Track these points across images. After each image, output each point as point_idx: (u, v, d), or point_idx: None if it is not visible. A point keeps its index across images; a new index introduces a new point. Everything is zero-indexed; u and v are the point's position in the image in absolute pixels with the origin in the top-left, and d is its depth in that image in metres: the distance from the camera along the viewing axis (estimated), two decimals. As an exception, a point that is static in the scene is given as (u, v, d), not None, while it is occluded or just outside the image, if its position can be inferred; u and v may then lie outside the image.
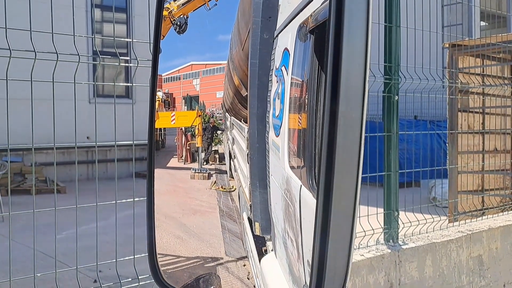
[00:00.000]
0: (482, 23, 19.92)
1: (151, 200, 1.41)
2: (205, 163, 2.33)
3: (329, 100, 0.86)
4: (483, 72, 6.98)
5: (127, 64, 3.63)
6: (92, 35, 13.16)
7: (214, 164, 2.40)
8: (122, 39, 11.95)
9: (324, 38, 1.24)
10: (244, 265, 2.10)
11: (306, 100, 1.40)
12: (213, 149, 2.40)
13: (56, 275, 3.08)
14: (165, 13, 1.92)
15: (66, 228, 4.59)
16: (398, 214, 4.46)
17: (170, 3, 2.04)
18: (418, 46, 4.67)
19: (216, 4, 2.06)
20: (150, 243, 1.45)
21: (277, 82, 1.70)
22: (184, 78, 2.64)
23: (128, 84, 3.32)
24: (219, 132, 2.47)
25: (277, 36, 1.76)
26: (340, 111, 0.86)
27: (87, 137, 12.22)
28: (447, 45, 6.87)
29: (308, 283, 1.26)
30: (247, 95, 1.91)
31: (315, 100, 1.30)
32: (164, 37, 1.85)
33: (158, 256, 1.58)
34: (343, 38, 0.85)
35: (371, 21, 0.86)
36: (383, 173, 4.42)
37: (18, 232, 6.18)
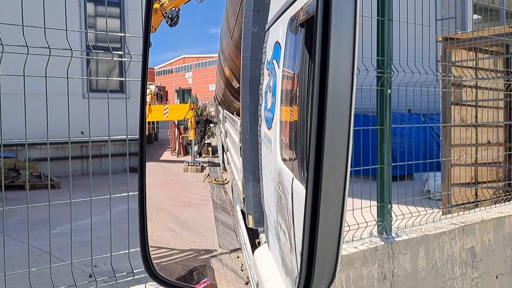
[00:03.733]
0: (475, 16, 19.97)
1: (143, 193, 1.41)
2: (198, 156, 2.33)
3: (317, 93, 0.87)
4: (476, 65, 7.01)
5: (120, 59, 3.63)
6: (86, 30, 13.09)
7: (207, 157, 2.40)
8: (116, 34, 11.91)
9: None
10: (238, 257, 2.12)
11: (297, 93, 1.41)
12: (206, 142, 2.41)
13: (51, 270, 3.09)
14: (156, 5, 1.92)
15: (60, 224, 4.59)
16: (391, 206, 4.49)
17: (162, -4, 2.05)
18: (411, 39, 4.68)
19: (207, -3, 2.06)
20: (142, 236, 1.46)
21: (268, 75, 1.71)
22: (176, 71, 2.63)
23: (122, 79, 3.32)
24: (212, 125, 2.48)
25: (268, 29, 1.77)
26: (328, 103, 0.87)
27: (81, 132, 12.18)
28: (440, 39, 6.89)
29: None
30: (238, 87, 1.92)
31: (306, 93, 1.31)
32: (155, 30, 1.85)
33: (151, 249, 1.59)
34: (331, 31, 0.86)
35: (358, 14, 0.87)
36: (376, 166, 4.44)
37: (12, 227, 6.15)
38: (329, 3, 0.86)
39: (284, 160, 1.56)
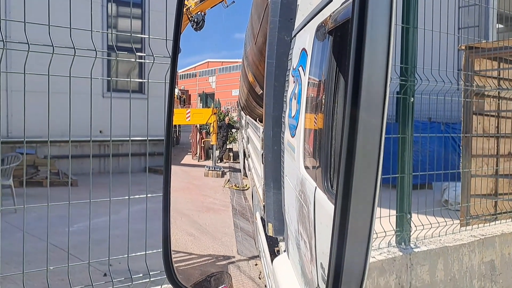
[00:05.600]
0: (500, 26, 19.68)
1: (167, 198, 1.40)
2: (219, 161, 2.33)
3: (349, 104, 0.85)
4: (499, 75, 6.90)
5: (142, 61, 3.64)
6: (108, 30, 13.23)
7: (228, 162, 2.39)
8: (139, 35, 12.00)
9: (343, 39, 1.23)
10: (256, 265, 2.10)
11: (323, 101, 1.38)
12: (227, 147, 2.40)
13: (68, 269, 3.11)
14: (182, 9, 1.92)
15: (77, 221, 4.62)
16: (411, 217, 4.43)
17: (188, 0, 2.04)
18: (434, 47, 4.62)
19: (234, 1, 2.05)
20: (166, 241, 1.44)
21: (293, 82, 1.69)
22: (200, 75, 2.63)
23: (144, 81, 3.33)
24: (233, 130, 2.47)
25: (294, 36, 1.75)
26: (361, 115, 0.85)
27: (100, 131, 12.28)
28: (463, 47, 6.79)
29: (319, 285, 1.25)
30: (261, 93, 1.91)
31: (332, 101, 1.29)
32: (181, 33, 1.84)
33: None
34: (366, 39, 0.84)
35: (394, 23, 0.85)
36: (397, 175, 4.39)
37: (30, 223, 6.19)
38: (365, 11, 0.84)
39: (307, 168, 1.54)
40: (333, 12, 1.26)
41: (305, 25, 1.60)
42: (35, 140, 12.99)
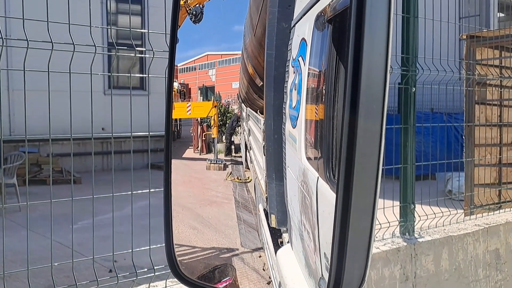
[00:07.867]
0: (501, 14, 19.60)
1: (168, 191, 1.40)
2: (235, 153, 2.33)
3: (349, 93, 0.85)
4: (501, 64, 6.87)
5: (142, 55, 3.63)
6: (108, 27, 13.21)
7: (229, 155, 2.39)
8: (138, 30, 11.98)
9: (343, 28, 1.22)
10: (260, 257, 2.09)
11: (324, 91, 1.38)
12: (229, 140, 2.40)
13: (73, 265, 3.12)
14: (180, 2, 1.91)
15: (81, 219, 4.63)
16: (414, 207, 4.43)
17: (186, -9, 2.02)
18: (435, 37, 4.61)
19: (232, -8, 2.04)
20: (168, 234, 1.44)
21: (294, 72, 1.68)
22: (199, 69, 2.62)
23: (144, 75, 3.32)
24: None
25: (294, 26, 1.74)
26: (361, 104, 0.84)
27: (102, 128, 12.27)
28: (465, 37, 6.76)
29: (323, 275, 1.25)
30: (262, 85, 1.90)
31: (333, 91, 1.28)
32: (179, 26, 1.83)
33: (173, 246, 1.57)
34: (364, 27, 0.83)
35: (393, 10, 0.84)
36: (399, 166, 4.38)
37: (34, 221, 6.20)
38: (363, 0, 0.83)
39: (309, 159, 1.53)
40: (332, 0, 1.25)
41: (304, 14, 1.59)
42: (37, 139, 13.01)
